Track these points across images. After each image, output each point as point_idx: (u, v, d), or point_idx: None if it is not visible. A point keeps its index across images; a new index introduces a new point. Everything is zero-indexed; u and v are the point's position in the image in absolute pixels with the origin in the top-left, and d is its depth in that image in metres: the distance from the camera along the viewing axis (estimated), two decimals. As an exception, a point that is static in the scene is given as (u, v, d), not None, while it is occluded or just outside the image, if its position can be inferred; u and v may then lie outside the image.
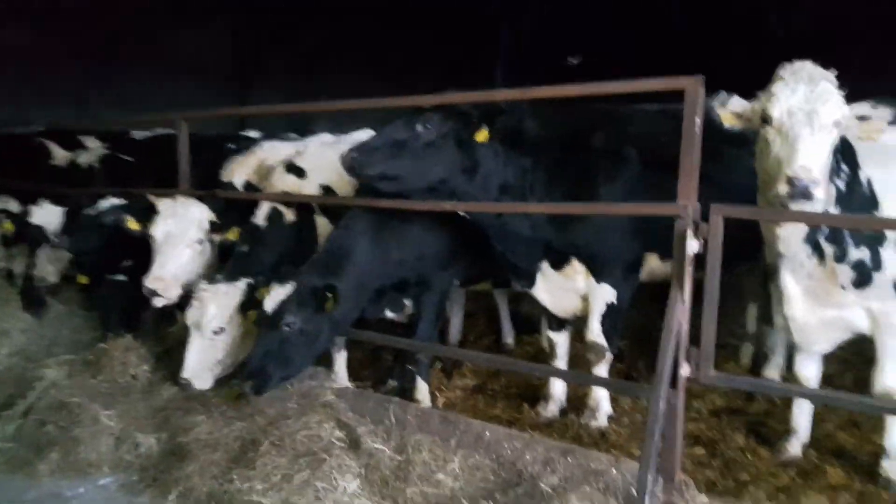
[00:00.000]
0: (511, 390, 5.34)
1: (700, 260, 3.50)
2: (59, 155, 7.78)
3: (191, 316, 4.74)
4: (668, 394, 3.26)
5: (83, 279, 5.66)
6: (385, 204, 4.48)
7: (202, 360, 4.65)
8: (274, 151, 5.74)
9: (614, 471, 3.61)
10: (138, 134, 8.46)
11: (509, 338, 6.45)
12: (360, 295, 4.68)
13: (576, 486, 3.56)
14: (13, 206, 6.89)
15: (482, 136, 4.15)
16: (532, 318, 6.90)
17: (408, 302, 5.06)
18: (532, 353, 6.24)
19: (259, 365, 4.26)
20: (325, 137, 6.18)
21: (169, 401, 4.52)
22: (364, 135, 5.74)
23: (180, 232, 4.95)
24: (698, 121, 3.41)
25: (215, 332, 4.67)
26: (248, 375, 4.27)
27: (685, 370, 3.43)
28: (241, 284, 4.81)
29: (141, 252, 5.17)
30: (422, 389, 4.93)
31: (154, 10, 16.72)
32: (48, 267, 5.87)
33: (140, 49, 17.04)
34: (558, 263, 4.39)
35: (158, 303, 4.86)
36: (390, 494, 3.64)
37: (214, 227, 5.10)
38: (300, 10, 18.30)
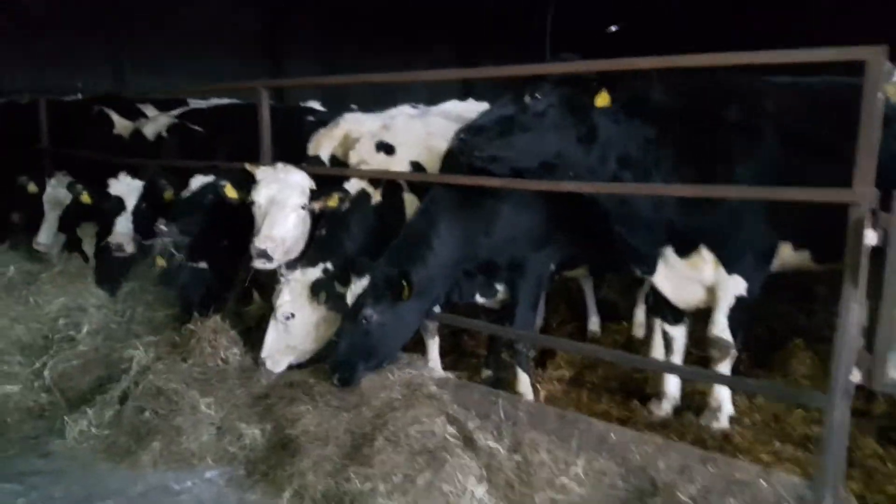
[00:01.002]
0: (611, 383, 5.04)
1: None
2: (121, 124, 7.55)
3: (274, 298, 4.69)
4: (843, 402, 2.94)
5: (161, 261, 5.42)
6: (494, 182, 4.18)
7: (277, 343, 4.61)
8: (358, 124, 5.43)
9: (763, 482, 3.32)
10: (198, 103, 8.19)
11: (595, 325, 6.14)
12: (443, 280, 4.48)
13: (718, 497, 3.29)
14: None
15: (603, 100, 3.78)
16: (616, 305, 6.62)
17: (500, 287, 4.78)
18: (621, 342, 5.94)
19: (344, 357, 4.26)
20: (407, 109, 5.85)
21: (269, 388, 4.29)
22: (450, 106, 5.45)
23: (284, 197, 4.72)
24: (881, 96, 3.04)
25: (286, 318, 4.58)
26: (333, 367, 4.26)
27: (856, 376, 3.11)
28: (317, 270, 4.68)
29: (232, 232, 4.99)
30: (523, 381, 4.66)
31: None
32: (126, 237, 5.67)
33: (172, 17, 17.06)
34: (684, 250, 4.05)
35: (265, 265, 4.63)
36: (518, 501, 3.39)
37: (314, 195, 4.83)
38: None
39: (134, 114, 7.71)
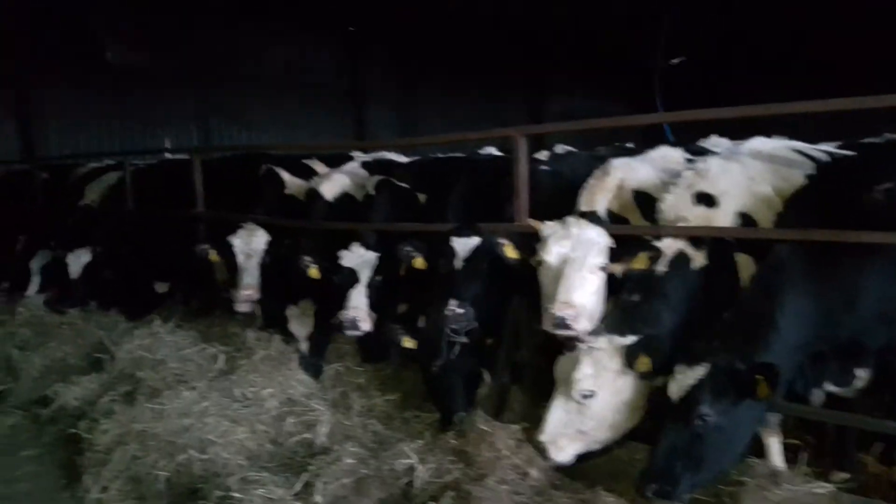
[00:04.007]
0: None
1: None
2: (293, 184, 6.81)
3: (560, 369, 3.83)
4: None
5: (410, 343, 4.62)
6: (872, 238, 3.26)
7: (565, 425, 3.73)
8: (631, 171, 4.57)
9: None
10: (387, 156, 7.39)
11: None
12: (789, 368, 3.54)
13: None
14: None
15: None
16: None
17: (861, 373, 3.79)
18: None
19: (664, 465, 3.40)
20: (669, 151, 4.97)
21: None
22: (757, 144, 4.55)
23: (580, 256, 3.89)
24: None
25: (584, 396, 3.70)
26: (649, 477, 3.41)
27: None
28: (628, 342, 3.78)
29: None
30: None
31: (263, 31, 16.59)
32: (363, 312, 4.88)
33: (253, 69, 16.85)
34: None
35: (565, 333, 3.77)
36: None
37: (613, 255, 3.97)
38: (408, 24, 17.92)
39: (304, 172, 6.96)
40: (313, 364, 5.35)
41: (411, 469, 3.81)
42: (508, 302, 4.69)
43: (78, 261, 7.32)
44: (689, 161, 4.87)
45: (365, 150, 7.64)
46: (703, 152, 5.21)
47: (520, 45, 20.82)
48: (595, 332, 3.84)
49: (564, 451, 3.71)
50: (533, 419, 4.03)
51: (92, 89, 14.58)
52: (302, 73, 18.01)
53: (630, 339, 3.79)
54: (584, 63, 21.68)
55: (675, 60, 23.53)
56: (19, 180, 10.81)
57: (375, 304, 5.14)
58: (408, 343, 4.60)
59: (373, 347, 5.57)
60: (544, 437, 3.72)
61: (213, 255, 5.92)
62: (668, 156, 4.91)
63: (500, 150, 6.13)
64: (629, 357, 3.68)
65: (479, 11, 18.08)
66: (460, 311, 4.26)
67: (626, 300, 3.95)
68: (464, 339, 4.37)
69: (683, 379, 3.45)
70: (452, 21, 18.38)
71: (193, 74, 16.34)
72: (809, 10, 15.15)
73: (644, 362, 3.60)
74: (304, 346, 5.51)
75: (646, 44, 17.41)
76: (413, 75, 20.17)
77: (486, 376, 5.23)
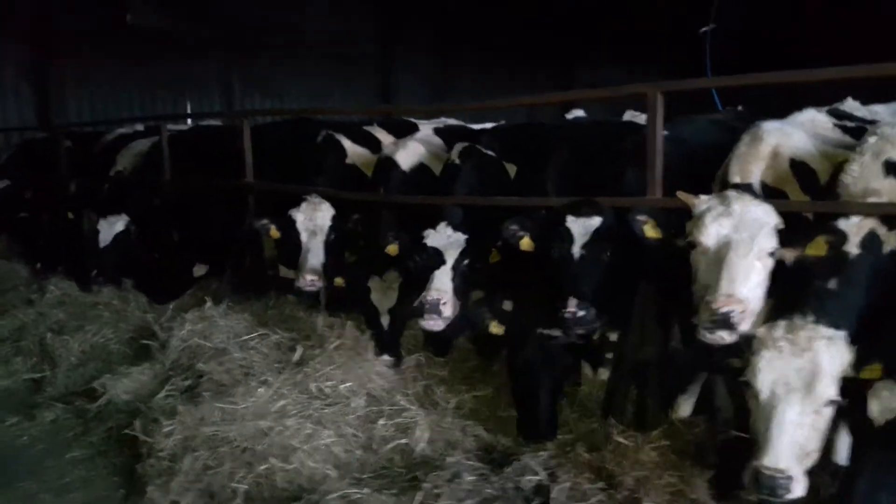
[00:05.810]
0: None
1: None
2: (355, 152, 6.13)
3: (769, 368, 2.87)
4: None
5: (497, 329, 4.03)
6: None
7: (800, 446, 2.83)
8: (786, 138, 3.88)
9: None
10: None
11: None
12: None
13: None
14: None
15: None
16: None
17: None
18: None
19: (866, 492, 2.80)
20: (814, 114, 4.28)
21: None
22: None
23: (745, 239, 3.21)
24: None
25: (831, 402, 2.86)
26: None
27: None
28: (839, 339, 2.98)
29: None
30: None
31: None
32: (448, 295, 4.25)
33: (279, 35, 16.10)
34: None
35: (724, 338, 3.07)
36: None
37: (785, 238, 3.30)
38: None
39: (365, 140, 6.28)
40: (391, 346, 4.77)
41: (542, 488, 3.19)
42: (632, 289, 4.04)
43: (111, 229, 6.66)
44: (839, 127, 4.24)
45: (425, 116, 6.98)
46: (847, 116, 4.60)
47: (549, 13, 20.06)
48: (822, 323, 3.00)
49: (802, 482, 2.79)
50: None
51: (111, 52, 13.84)
52: (329, 40, 17.25)
53: (840, 335, 2.98)
54: (615, 32, 20.87)
55: (705, 28, 22.60)
56: (40, 149, 10.14)
57: (458, 290, 4.51)
58: (495, 329, 3.97)
59: (441, 338, 4.94)
60: (783, 463, 2.74)
61: (274, 232, 5.25)
62: (817, 120, 4.22)
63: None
64: (861, 360, 2.89)
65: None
66: (581, 312, 3.58)
67: (819, 287, 3.21)
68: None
69: (889, 398, 2.79)
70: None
71: (217, 39, 15.64)
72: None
73: (875, 370, 2.83)
74: (384, 320, 4.89)
75: (684, 9, 16.54)
76: (442, 44, 19.53)
77: (588, 370, 4.70)
